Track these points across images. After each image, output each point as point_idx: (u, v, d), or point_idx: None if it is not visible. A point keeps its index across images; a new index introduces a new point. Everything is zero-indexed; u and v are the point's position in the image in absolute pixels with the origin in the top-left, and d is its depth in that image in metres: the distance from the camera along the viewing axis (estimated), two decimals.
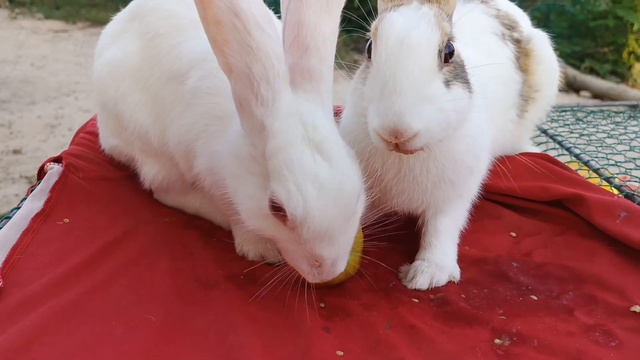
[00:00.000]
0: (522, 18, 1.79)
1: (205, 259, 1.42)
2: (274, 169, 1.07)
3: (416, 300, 1.30)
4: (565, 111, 2.61)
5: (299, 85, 1.12)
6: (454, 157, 1.26)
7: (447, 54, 1.14)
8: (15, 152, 5.15)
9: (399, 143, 1.10)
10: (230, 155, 1.20)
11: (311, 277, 1.16)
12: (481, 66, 1.28)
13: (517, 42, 1.69)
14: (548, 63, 1.76)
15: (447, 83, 1.13)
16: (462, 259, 1.43)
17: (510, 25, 1.69)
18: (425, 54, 1.10)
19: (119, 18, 1.65)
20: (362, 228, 1.35)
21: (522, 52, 1.69)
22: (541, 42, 1.75)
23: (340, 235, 1.11)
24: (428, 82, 1.10)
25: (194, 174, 1.43)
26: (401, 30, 1.12)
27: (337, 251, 1.13)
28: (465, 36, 1.38)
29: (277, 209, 1.08)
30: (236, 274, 1.36)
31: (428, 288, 1.34)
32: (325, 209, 1.06)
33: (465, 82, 1.18)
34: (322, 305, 1.27)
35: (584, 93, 7.57)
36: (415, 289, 1.34)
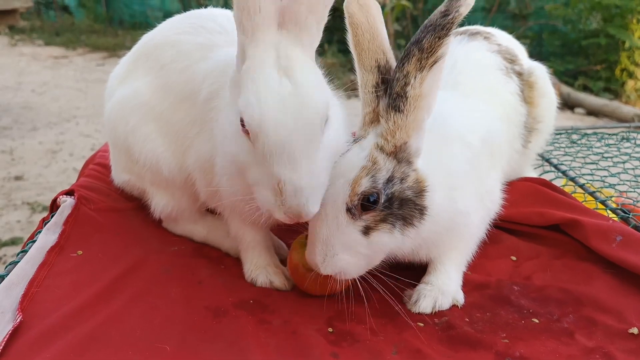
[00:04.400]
0: (520, 51, 1.86)
1: (215, 286, 1.45)
2: (243, 86, 1.14)
3: (421, 325, 1.33)
4: (560, 134, 2.67)
5: (284, 26, 1.18)
6: (432, 228, 1.34)
7: (370, 203, 1.24)
8: (17, 178, 5.18)
9: None
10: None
11: (277, 210, 1.13)
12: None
13: (519, 74, 1.75)
14: (550, 95, 1.84)
15: (367, 229, 1.25)
16: (464, 284, 1.47)
17: (511, 59, 1.76)
18: (332, 213, 1.24)
19: (125, 61, 1.71)
20: None
21: (526, 85, 1.76)
22: (542, 74, 1.83)
23: (302, 158, 1.10)
24: (338, 236, 1.25)
25: (210, 192, 1.45)
26: None
27: (300, 177, 1.10)
28: (471, 79, 1.59)
29: (243, 122, 1.13)
30: (245, 301, 1.40)
31: (431, 312, 1.37)
32: (282, 122, 1.08)
33: (402, 218, 1.27)
34: (331, 330, 1.30)
35: (578, 110, 7.67)
36: (419, 313, 1.37)
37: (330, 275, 1.30)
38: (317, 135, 1.13)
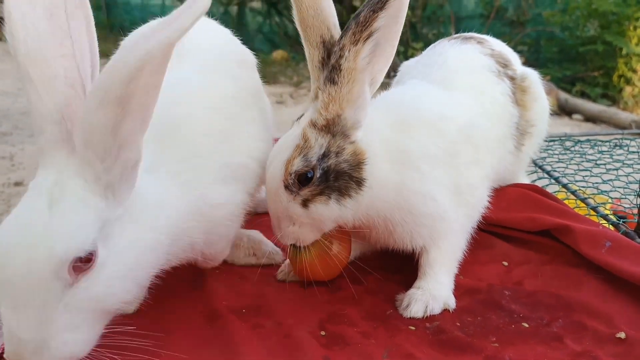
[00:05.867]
0: (513, 57, 1.89)
1: (209, 290, 1.47)
2: None
3: (413, 328, 1.34)
4: (554, 140, 2.70)
5: (74, 151, 1.01)
6: (380, 199, 1.36)
7: (306, 179, 1.29)
8: (17, 184, 5.19)
9: None
10: None
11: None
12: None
13: (511, 79, 1.78)
14: (543, 100, 1.87)
15: (305, 202, 1.31)
16: (456, 288, 1.48)
17: (504, 64, 1.79)
18: (274, 190, 1.33)
19: None
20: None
21: (519, 88, 1.79)
22: (535, 80, 1.86)
23: (27, 307, 0.90)
24: (282, 211, 1.33)
25: None
26: None
27: (21, 328, 0.91)
28: (460, 76, 1.63)
29: None
30: (239, 304, 1.41)
31: (423, 316, 1.38)
32: (9, 259, 0.90)
33: (337, 190, 1.31)
34: (323, 333, 1.31)
35: (576, 116, 7.70)
36: (410, 317, 1.38)
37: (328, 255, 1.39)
38: (48, 287, 0.91)
